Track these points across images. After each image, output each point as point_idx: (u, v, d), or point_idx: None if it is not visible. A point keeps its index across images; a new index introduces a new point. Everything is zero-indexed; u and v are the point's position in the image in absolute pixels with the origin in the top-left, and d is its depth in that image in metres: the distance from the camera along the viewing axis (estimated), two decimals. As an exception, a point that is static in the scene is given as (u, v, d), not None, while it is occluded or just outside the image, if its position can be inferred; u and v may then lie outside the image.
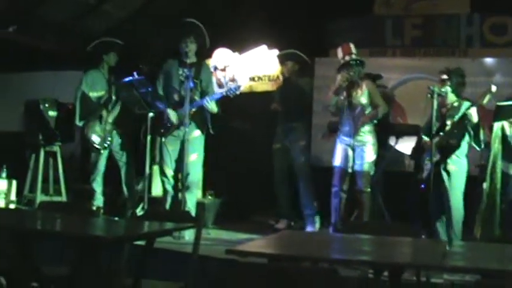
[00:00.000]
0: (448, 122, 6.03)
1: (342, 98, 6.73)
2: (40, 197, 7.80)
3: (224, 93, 6.58)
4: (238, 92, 6.58)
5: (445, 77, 6.09)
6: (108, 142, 7.37)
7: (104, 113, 7.42)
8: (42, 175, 7.90)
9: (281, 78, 7.98)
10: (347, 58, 6.72)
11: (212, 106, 6.58)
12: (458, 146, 6.00)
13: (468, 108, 5.91)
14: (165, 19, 8.69)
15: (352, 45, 6.78)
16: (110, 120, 7.40)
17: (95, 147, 7.37)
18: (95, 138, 7.34)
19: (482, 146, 6.04)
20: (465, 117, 5.87)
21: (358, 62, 6.70)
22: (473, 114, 5.82)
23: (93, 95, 7.47)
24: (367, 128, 6.69)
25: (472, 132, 5.95)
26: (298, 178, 7.48)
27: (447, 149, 6.00)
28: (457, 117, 5.99)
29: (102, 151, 7.39)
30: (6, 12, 8.18)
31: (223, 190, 8.45)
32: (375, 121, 6.76)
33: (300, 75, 7.75)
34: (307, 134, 7.69)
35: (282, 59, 7.83)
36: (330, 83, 7.01)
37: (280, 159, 7.59)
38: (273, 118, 7.82)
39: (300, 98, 7.61)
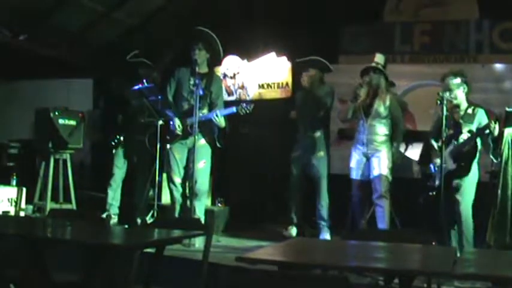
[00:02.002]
0: (465, 130, 5.99)
1: (358, 104, 6.74)
2: (50, 205, 7.82)
3: (235, 111, 6.53)
4: (249, 111, 6.52)
5: (458, 81, 6.03)
6: (116, 141, 7.54)
7: (120, 116, 7.71)
8: (52, 183, 7.92)
9: (304, 85, 7.64)
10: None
11: (221, 121, 6.58)
12: (475, 154, 5.98)
13: (488, 119, 5.90)
14: (175, 27, 8.74)
15: (378, 55, 6.79)
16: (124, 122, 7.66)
17: (110, 145, 7.67)
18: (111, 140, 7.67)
19: (499, 159, 6.03)
20: (485, 128, 5.83)
21: (376, 70, 6.69)
22: (496, 128, 5.79)
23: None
24: (383, 139, 6.73)
25: (491, 145, 5.91)
26: (317, 189, 7.34)
27: (464, 158, 5.97)
28: (474, 126, 5.96)
29: (114, 150, 7.60)
30: (18, 21, 8.23)
31: (233, 197, 8.46)
32: (390, 132, 6.80)
33: (321, 83, 7.53)
34: (327, 144, 7.50)
35: (304, 66, 7.52)
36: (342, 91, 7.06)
37: (298, 167, 7.49)
38: (283, 125, 7.80)
39: (323, 107, 7.39)
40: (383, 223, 6.62)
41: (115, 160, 7.59)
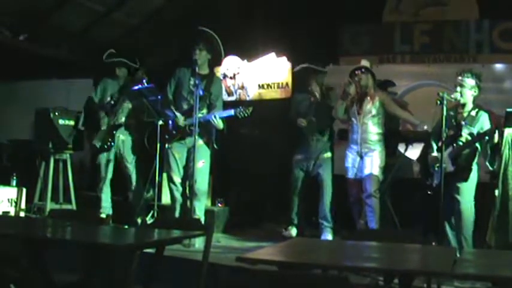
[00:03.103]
0: (465, 132, 5.99)
1: (349, 104, 6.96)
2: (50, 205, 7.82)
3: (233, 114, 6.54)
4: (247, 114, 6.51)
5: (472, 83, 6.03)
6: (109, 144, 7.43)
7: (103, 115, 7.49)
8: (52, 183, 7.92)
9: (312, 93, 7.49)
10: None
11: (219, 123, 6.61)
12: (474, 157, 5.99)
13: (490, 124, 5.92)
14: (175, 27, 8.73)
15: (363, 61, 7.04)
16: (112, 123, 7.47)
17: (96, 149, 7.49)
18: (96, 142, 7.44)
19: (495, 167, 6.03)
20: (485, 134, 5.85)
21: (362, 70, 6.90)
22: (496, 137, 5.81)
23: (104, 101, 7.56)
24: (376, 138, 6.88)
25: (489, 152, 5.93)
26: (322, 189, 7.32)
27: (464, 161, 5.97)
28: (475, 130, 5.96)
29: (105, 153, 7.47)
30: (18, 21, 8.23)
31: (233, 197, 8.46)
32: (383, 130, 6.94)
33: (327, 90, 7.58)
34: (332, 145, 7.52)
35: (319, 75, 7.52)
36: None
37: (300, 170, 7.45)
38: (283, 125, 7.78)
39: (330, 113, 7.36)
40: (372, 222, 6.71)
41: (103, 163, 7.52)
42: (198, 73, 6.69)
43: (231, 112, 6.55)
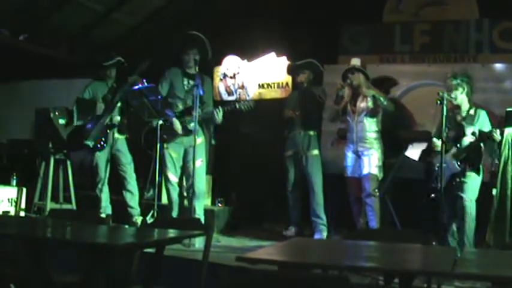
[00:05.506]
0: (468, 131, 6.00)
1: (341, 106, 7.03)
2: (50, 205, 7.81)
3: (236, 106, 6.70)
4: (250, 107, 6.62)
5: (457, 82, 6.06)
6: (102, 143, 7.41)
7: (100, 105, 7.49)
8: (52, 183, 7.91)
9: (299, 86, 7.75)
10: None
11: (220, 116, 6.68)
12: (480, 157, 6.00)
13: (490, 121, 5.95)
14: (175, 27, 8.73)
15: (353, 59, 7.09)
16: (106, 123, 7.44)
17: (90, 148, 7.45)
18: (89, 141, 7.40)
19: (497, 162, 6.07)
20: (489, 136, 5.87)
21: (354, 70, 6.94)
22: (497, 134, 5.84)
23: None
24: (373, 136, 6.88)
25: (497, 149, 5.97)
26: (310, 186, 7.41)
27: (471, 162, 5.99)
28: (476, 128, 5.98)
29: (98, 153, 7.44)
30: (18, 21, 8.23)
31: (233, 197, 8.46)
32: (379, 128, 6.95)
33: (314, 84, 7.67)
34: (319, 143, 7.62)
35: (300, 68, 7.67)
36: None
37: (292, 166, 7.56)
38: (283, 125, 7.80)
39: (316, 106, 7.52)
40: (373, 221, 6.76)
41: (100, 163, 7.51)
42: (187, 73, 6.81)
43: (235, 105, 6.65)
